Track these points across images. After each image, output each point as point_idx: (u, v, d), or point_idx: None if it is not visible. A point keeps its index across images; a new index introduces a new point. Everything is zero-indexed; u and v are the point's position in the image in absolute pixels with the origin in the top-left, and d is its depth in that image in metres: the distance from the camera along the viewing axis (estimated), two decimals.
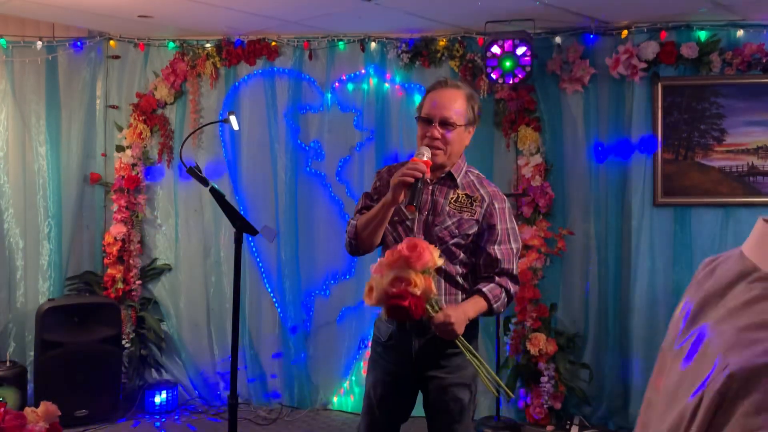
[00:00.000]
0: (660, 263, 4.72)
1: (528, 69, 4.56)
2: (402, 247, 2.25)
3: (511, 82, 4.61)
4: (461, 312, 2.40)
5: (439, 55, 4.96)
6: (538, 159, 4.81)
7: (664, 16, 4.61)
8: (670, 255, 4.71)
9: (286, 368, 5.20)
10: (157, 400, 5.03)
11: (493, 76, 4.61)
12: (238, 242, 2.79)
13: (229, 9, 4.52)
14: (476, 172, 2.68)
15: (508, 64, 4.55)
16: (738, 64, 4.59)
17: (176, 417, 4.99)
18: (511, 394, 2.52)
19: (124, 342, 5.02)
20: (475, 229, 2.54)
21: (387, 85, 5.06)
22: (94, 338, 4.77)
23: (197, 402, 5.23)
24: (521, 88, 4.80)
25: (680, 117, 4.70)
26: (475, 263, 2.59)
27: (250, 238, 5.17)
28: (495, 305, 2.51)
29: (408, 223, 2.55)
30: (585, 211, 4.87)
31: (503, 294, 2.54)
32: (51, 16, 4.87)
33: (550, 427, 4.68)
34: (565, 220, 4.88)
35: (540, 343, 4.65)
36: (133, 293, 5.19)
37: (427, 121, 2.52)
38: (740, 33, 4.62)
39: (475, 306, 2.47)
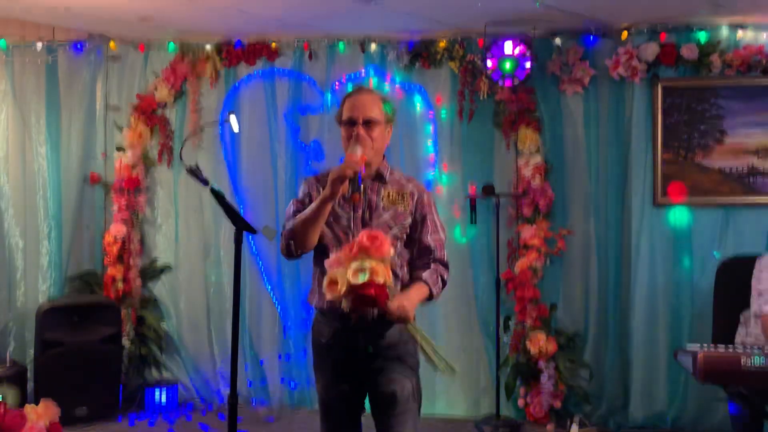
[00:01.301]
0: (660, 263, 4.72)
1: (528, 70, 4.57)
2: (362, 238, 2.37)
3: (511, 83, 4.61)
4: (410, 299, 2.54)
5: (439, 56, 4.97)
6: (538, 159, 4.82)
7: (664, 18, 4.62)
8: (670, 255, 4.72)
9: (286, 368, 5.20)
10: (157, 399, 5.03)
11: (493, 77, 4.62)
12: (238, 242, 2.79)
13: (229, 10, 4.52)
14: (399, 170, 2.81)
15: (508, 65, 4.57)
16: (738, 66, 4.60)
17: (176, 416, 4.98)
18: (456, 369, 2.59)
19: (124, 341, 5.02)
20: (409, 221, 2.68)
21: (387, 86, 5.06)
22: (94, 338, 4.77)
23: (197, 401, 5.23)
24: (521, 89, 4.80)
25: (680, 118, 4.71)
26: (409, 254, 2.71)
27: (250, 238, 5.18)
28: (434, 290, 2.67)
29: (344, 221, 2.62)
30: (585, 211, 4.88)
31: (439, 280, 2.70)
32: (51, 18, 4.87)
33: (550, 426, 4.68)
34: (565, 220, 4.89)
35: (540, 343, 4.66)
36: (133, 293, 5.19)
37: (350, 122, 2.64)
38: (740, 34, 4.63)
39: (419, 293, 2.62)
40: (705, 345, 3.12)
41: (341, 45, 5.10)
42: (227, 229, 5.16)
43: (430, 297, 2.67)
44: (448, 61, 4.98)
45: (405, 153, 5.01)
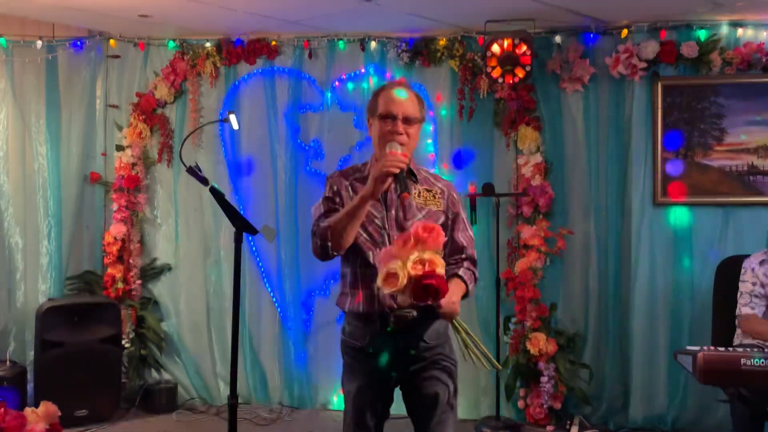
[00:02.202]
0: (660, 263, 4.71)
1: (528, 68, 4.55)
2: (417, 230, 2.31)
3: (511, 81, 4.60)
4: (454, 293, 2.50)
5: (439, 54, 4.96)
6: (538, 158, 4.81)
7: (664, 16, 4.60)
8: (670, 255, 4.71)
9: (286, 368, 5.20)
10: (157, 400, 5.03)
11: (493, 75, 4.61)
12: (238, 242, 2.79)
13: (229, 9, 4.52)
14: (425, 168, 2.78)
15: (507, 63, 4.54)
16: (738, 64, 4.59)
17: (176, 417, 4.99)
18: (499, 366, 2.60)
19: (124, 342, 5.02)
20: (442, 219, 2.63)
21: None
22: (94, 338, 4.77)
23: (197, 402, 5.23)
24: (521, 87, 4.79)
25: (680, 116, 4.70)
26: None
27: (250, 238, 5.17)
28: (470, 287, 2.65)
29: (377, 221, 2.57)
30: (585, 211, 4.87)
31: (473, 277, 2.68)
32: (51, 15, 4.87)
33: (550, 427, 4.68)
34: (565, 219, 4.88)
35: (540, 343, 4.65)
36: (133, 293, 5.19)
37: (388, 117, 2.57)
38: (740, 32, 4.62)
39: (458, 289, 2.57)
40: (705, 347, 3.12)
41: (341, 43, 5.09)
42: (227, 229, 5.16)
43: (466, 294, 2.63)
44: (448, 60, 4.97)
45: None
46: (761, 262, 3.69)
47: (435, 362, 2.58)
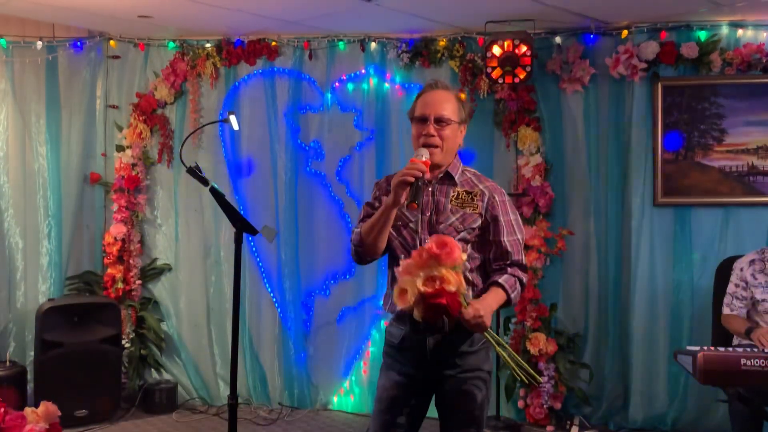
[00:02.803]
0: (660, 263, 4.72)
1: (528, 69, 4.56)
2: (431, 245, 2.27)
3: (511, 82, 4.61)
4: (487, 305, 2.43)
5: (439, 55, 4.96)
6: (538, 159, 4.81)
7: (664, 16, 4.61)
8: (670, 255, 4.71)
9: (286, 368, 5.20)
10: (157, 400, 5.03)
11: (493, 76, 4.61)
12: (238, 242, 2.79)
13: (229, 9, 4.52)
14: (473, 170, 2.71)
15: (508, 64, 4.55)
16: (738, 64, 4.59)
17: (176, 417, 4.99)
18: (540, 379, 2.55)
19: (124, 342, 5.02)
20: (479, 222, 2.57)
21: (387, 85, 5.06)
22: (94, 338, 4.77)
23: (197, 402, 5.23)
24: (521, 88, 4.80)
25: (680, 117, 4.70)
26: (483, 258, 2.62)
27: (250, 238, 5.18)
28: (512, 295, 2.55)
29: (412, 225, 2.56)
30: (585, 211, 4.87)
31: (517, 284, 2.58)
32: (51, 16, 4.87)
33: (550, 428, 4.68)
34: (565, 220, 4.88)
35: (540, 343, 4.65)
36: (133, 293, 5.19)
37: (421, 120, 2.57)
38: (740, 33, 4.62)
39: (496, 298, 2.51)
40: (704, 347, 3.13)
41: (341, 44, 5.09)
42: (227, 229, 5.16)
43: (508, 302, 2.56)
44: (448, 60, 4.98)
45: (405, 152, 5.01)
46: (751, 262, 3.73)
47: (468, 372, 2.55)
